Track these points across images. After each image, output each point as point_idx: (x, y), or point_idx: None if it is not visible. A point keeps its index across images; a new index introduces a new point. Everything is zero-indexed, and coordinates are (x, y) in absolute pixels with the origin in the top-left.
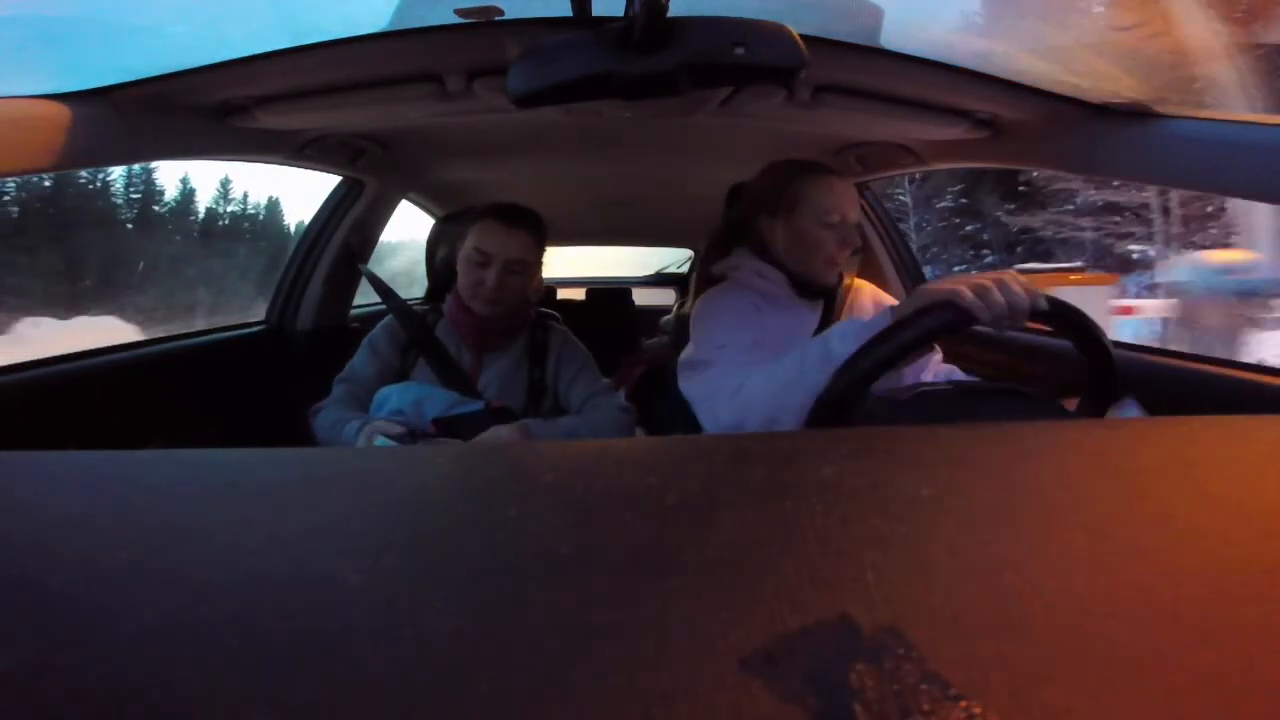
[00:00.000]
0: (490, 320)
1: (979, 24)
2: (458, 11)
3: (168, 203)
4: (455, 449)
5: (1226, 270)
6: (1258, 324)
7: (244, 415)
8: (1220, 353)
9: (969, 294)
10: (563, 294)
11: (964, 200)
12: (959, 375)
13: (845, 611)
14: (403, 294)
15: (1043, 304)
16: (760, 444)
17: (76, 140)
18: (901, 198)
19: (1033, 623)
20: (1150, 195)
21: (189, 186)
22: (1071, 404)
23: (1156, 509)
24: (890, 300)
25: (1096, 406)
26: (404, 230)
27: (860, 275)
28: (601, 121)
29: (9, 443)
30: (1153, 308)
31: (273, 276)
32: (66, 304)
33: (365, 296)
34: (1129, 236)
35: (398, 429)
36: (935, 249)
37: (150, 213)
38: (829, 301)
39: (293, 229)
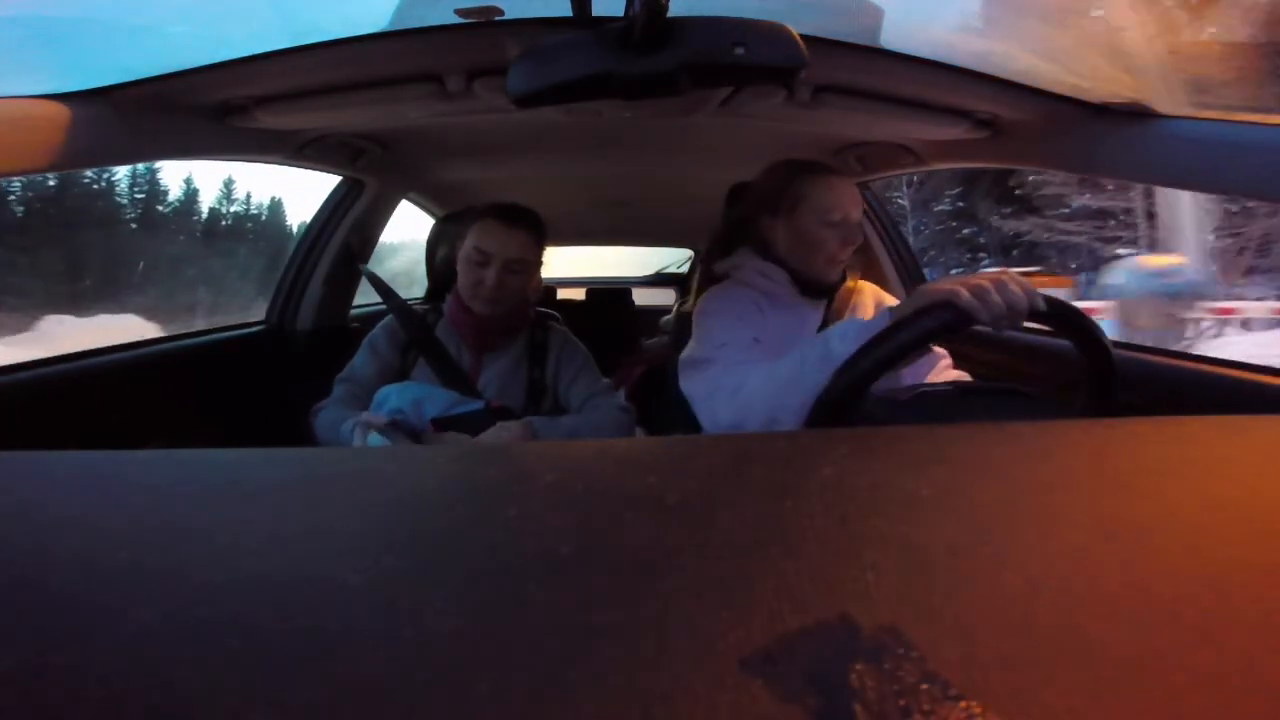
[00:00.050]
0: (490, 320)
1: (979, 24)
2: (458, 11)
3: (183, 204)
4: (455, 449)
5: (1158, 274)
6: (1183, 322)
7: (244, 415)
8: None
9: (967, 295)
10: (563, 294)
11: (961, 204)
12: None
13: (845, 611)
14: (403, 294)
15: (1040, 304)
16: (760, 444)
17: (76, 140)
18: (900, 201)
19: (1033, 623)
20: (1136, 201)
21: (201, 187)
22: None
23: (1156, 509)
24: (892, 300)
25: (1096, 406)
26: (404, 230)
27: (861, 275)
28: (601, 121)
29: (9, 443)
30: (1098, 309)
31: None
32: (88, 302)
33: (365, 296)
34: (1116, 240)
35: (383, 419)
36: (933, 252)
37: (168, 214)
38: (831, 301)
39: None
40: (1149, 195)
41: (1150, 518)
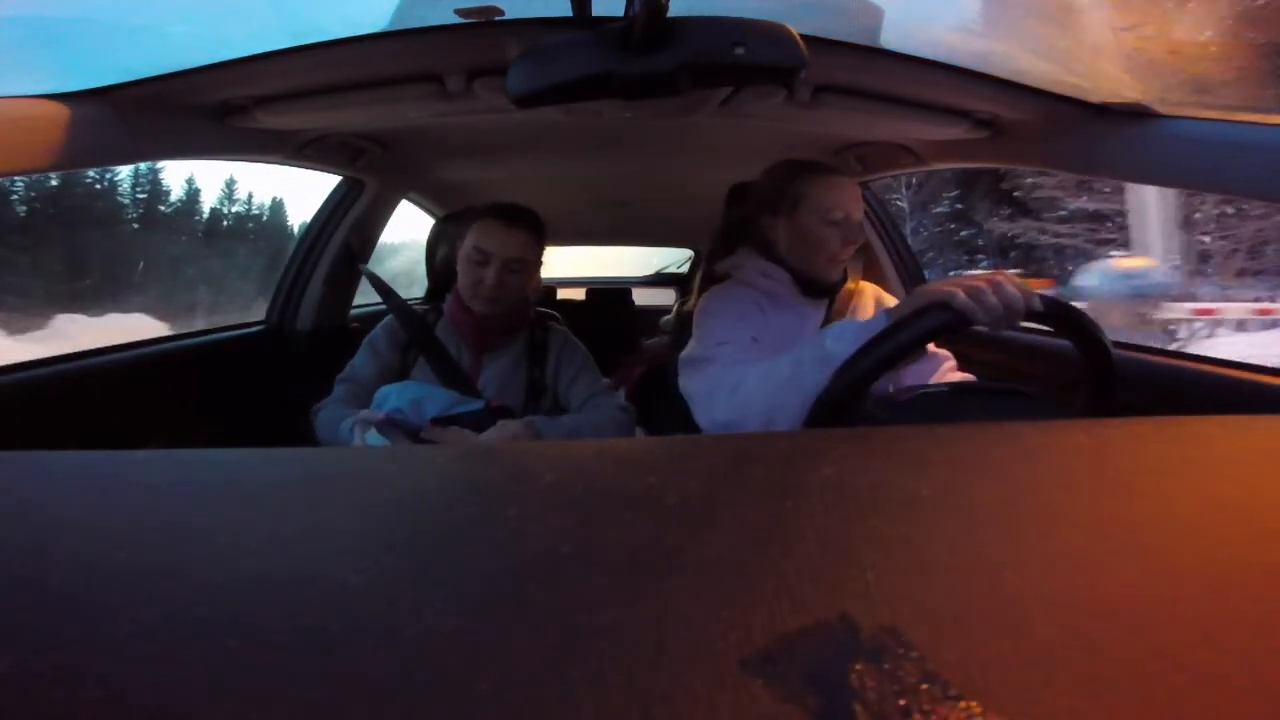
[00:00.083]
0: (490, 320)
1: (979, 24)
2: (458, 11)
3: (189, 205)
4: (455, 449)
5: (1128, 275)
6: (1151, 321)
7: (244, 415)
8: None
9: (963, 296)
10: (563, 294)
11: (959, 206)
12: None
13: (845, 611)
14: (403, 294)
15: (1037, 304)
16: (760, 444)
17: (76, 140)
18: (899, 203)
19: (1033, 623)
20: (1129, 204)
21: (208, 188)
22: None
23: (1156, 509)
24: (892, 301)
25: (1096, 406)
26: (404, 230)
27: (862, 276)
28: (601, 121)
29: (9, 443)
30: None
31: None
32: (99, 302)
33: (365, 296)
34: (1110, 243)
35: (380, 416)
36: (931, 253)
37: (175, 215)
38: (832, 301)
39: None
40: (1159, 197)
41: (1150, 518)
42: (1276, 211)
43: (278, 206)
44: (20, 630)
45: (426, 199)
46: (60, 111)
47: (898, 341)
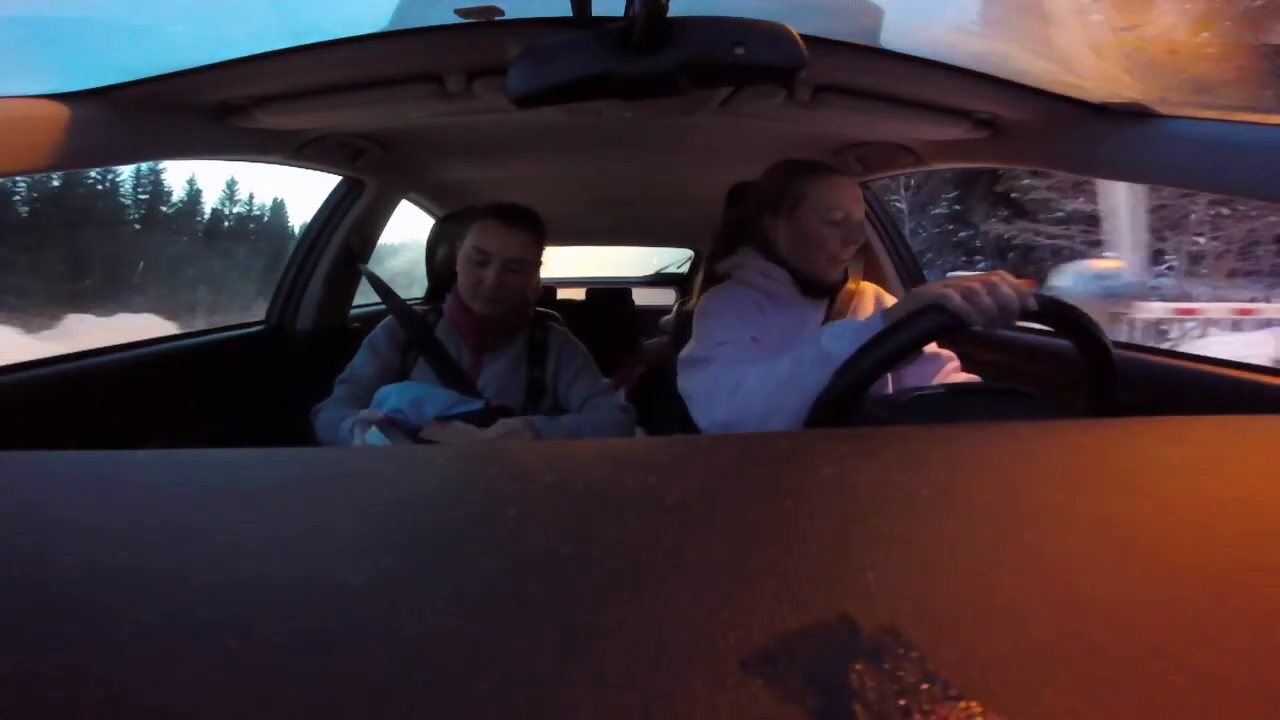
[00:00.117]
0: (490, 320)
1: (979, 24)
2: (458, 11)
3: (198, 207)
4: (455, 449)
5: (1100, 276)
6: (1119, 319)
7: (244, 415)
8: None
9: (958, 297)
10: (563, 294)
11: (957, 207)
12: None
13: (845, 611)
14: (403, 294)
15: (1032, 304)
16: (760, 444)
17: (76, 140)
18: (897, 204)
19: (1033, 622)
20: (1101, 207)
21: (218, 190)
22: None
23: (1156, 509)
24: (892, 301)
25: (1096, 406)
26: (404, 231)
27: (862, 276)
28: (601, 121)
29: (9, 443)
30: None
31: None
32: (108, 302)
33: (366, 296)
34: (1104, 244)
35: (379, 415)
36: (930, 254)
37: (185, 216)
38: (833, 301)
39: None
40: (1130, 200)
41: (1150, 518)
42: (1267, 212)
43: (281, 206)
44: (20, 630)
45: (426, 199)
46: (60, 111)
47: (894, 344)
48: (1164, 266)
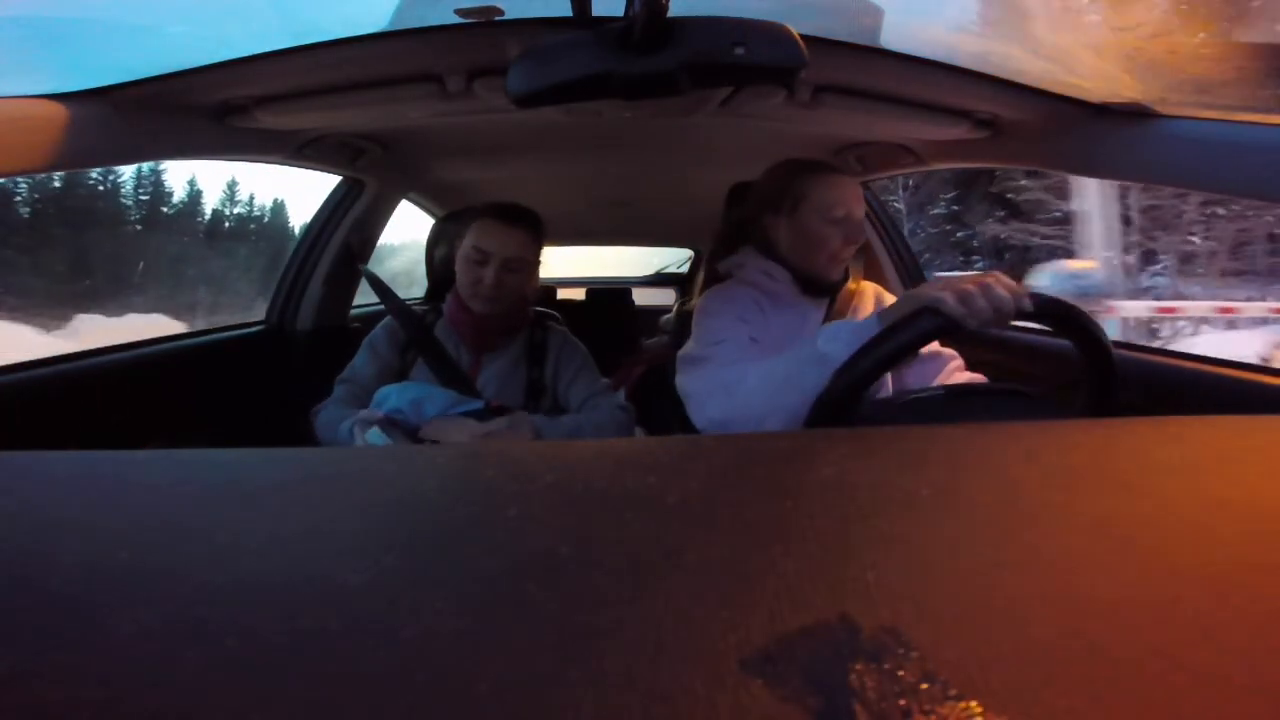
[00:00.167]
0: (489, 319)
1: (978, 24)
2: (458, 11)
3: (207, 208)
4: (455, 449)
5: (1074, 276)
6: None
7: (244, 415)
8: None
9: (952, 300)
10: (563, 294)
11: (955, 208)
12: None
13: (845, 611)
14: (403, 294)
15: (1027, 305)
16: (760, 444)
17: (76, 140)
18: (896, 204)
19: (1033, 622)
20: (1075, 209)
21: (229, 191)
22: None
23: (1156, 509)
24: (892, 300)
25: (1096, 406)
26: (404, 231)
27: (863, 275)
28: (601, 121)
29: (9, 443)
30: None
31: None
32: (118, 302)
33: (366, 296)
34: (1095, 244)
35: (378, 415)
36: (928, 255)
37: (195, 218)
38: (833, 300)
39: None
40: (1123, 201)
41: (1150, 517)
42: (1258, 212)
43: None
44: (20, 630)
45: (426, 199)
46: (60, 111)
47: (889, 347)
48: (1159, 266)
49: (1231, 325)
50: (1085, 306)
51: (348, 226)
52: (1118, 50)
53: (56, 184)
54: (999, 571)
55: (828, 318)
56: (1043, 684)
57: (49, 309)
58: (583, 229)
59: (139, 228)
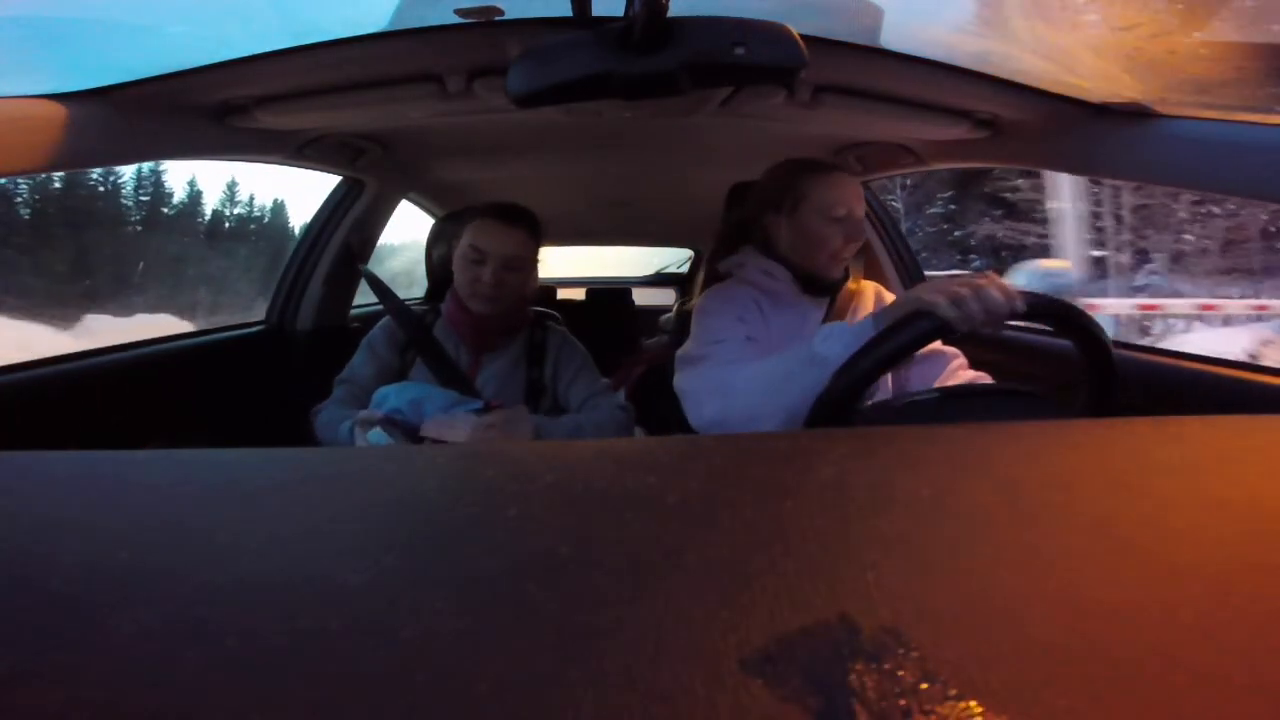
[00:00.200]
0: (488, 319)
1: (978, 24)
2: (458, 11)
3: (219, 211)
4: (455, 449)
5: (1048, 275)
6: None
7: (244, 415)
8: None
9: (945, 304)
10: (563, 294)
11: (953, 207)
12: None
13: (845, 611)
14: (403, 295)
15: (1021, 306)
16: (760, 444)
17: (76, 140)
18: (894, 204)
19: (1033, 623)
20: (1105, 206)
21: (238, 192)
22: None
23: (1156, 509)
24: (893, 298)
25: (1097, 406)
26: (404, 231)
27: (863, 275)
28: (601, 121)
29: (9, 443)
30: None
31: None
32: (126, 302)
33: (366, 296)
34: (1087, 242)
35: (378, 415)
36: (925, 254)
37: (203, 220)
38: (833, 300)
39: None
40: (1116, 200)
41: (1150, 518)
42: (1247, 211)
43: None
44: (20, 630)
45: (426, 199)
46: (60, 111)
47: (883, 351)
48: (1152, 266)
49: (1226, 322)
50: None
51: (348, 226)
52: (1118, 50)
53: (67, 187)
54: (999, 571)
55: (828, 317)
56: (1043, 684)
57: (59, 308)
58: (583, 229)
59: (156, 230)
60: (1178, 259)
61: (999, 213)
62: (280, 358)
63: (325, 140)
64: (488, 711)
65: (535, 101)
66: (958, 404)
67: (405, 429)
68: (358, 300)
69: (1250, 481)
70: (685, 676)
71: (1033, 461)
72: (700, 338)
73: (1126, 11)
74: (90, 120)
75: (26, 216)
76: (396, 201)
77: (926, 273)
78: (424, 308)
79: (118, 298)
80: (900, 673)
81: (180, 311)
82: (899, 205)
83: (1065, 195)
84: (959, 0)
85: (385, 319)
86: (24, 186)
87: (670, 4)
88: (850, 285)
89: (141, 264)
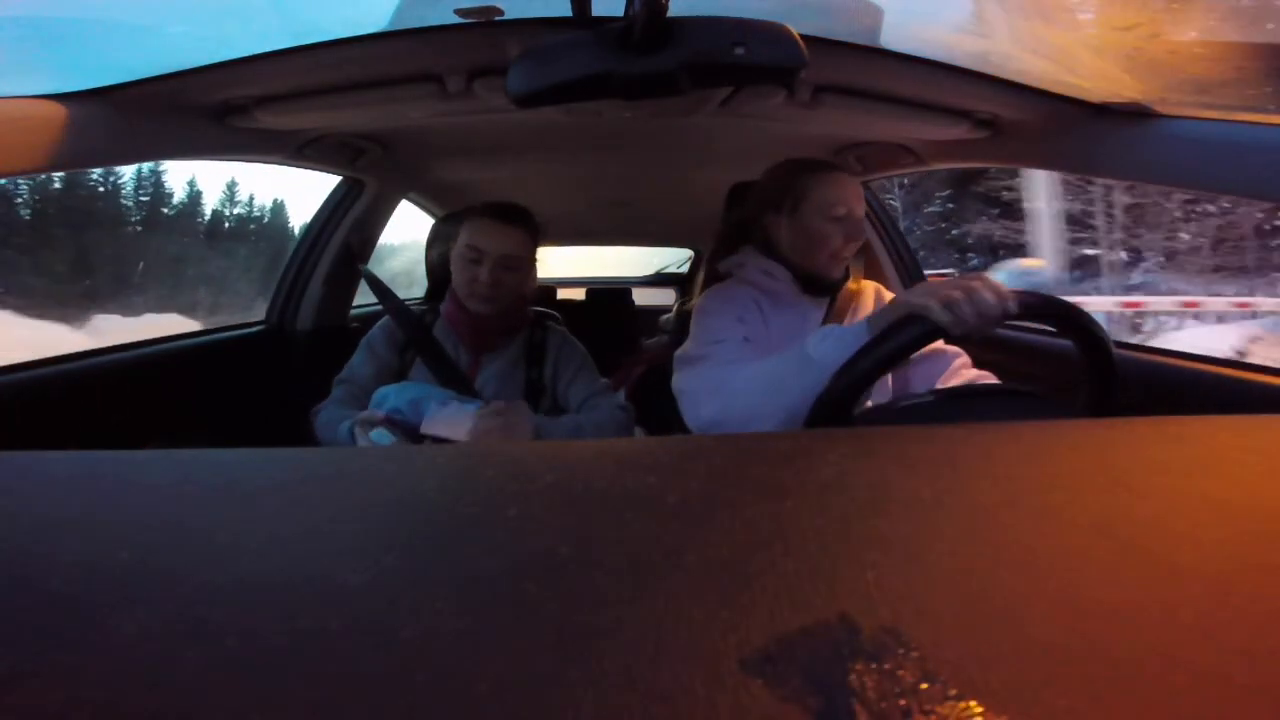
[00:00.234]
0: (487, 319)
1: (979, 24)
2: (458, 11)
3: (219, 211)
4: (455, 449)
5: (1026, 273)
6: None
7: (244, 415)
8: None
9: (938, 308)
10: (563, 294)
11: (950, 206)
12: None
13: (845, 611)
14: (403, 295)
15: (1013, 308)
16: (760, 444)
17: (76, 140)
18: (892, 203)
19: (1033, 623)
20: (1096, 206)
21: (236, 196)
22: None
23: (1156, 509)
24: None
25: (1097, 406)
26: (404, 231)
27: (863, 275)
28: (601, 121)
29: (9, 443)
30: None
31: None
32: (134, 302)
33: (366, 296)
34: (1081, 241)
35: (380, 415)
36: (923, 252)
37: (203, 220)
38: (834, 300)
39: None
40: (1107, 200)
41: (1150, 518)
42: (1238, 210)
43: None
44: (20, 630)
45: (426, 199)
46: (60, 111)
47: (875, 356)
48: (1146, 265)
49: (1221, 319)
50: None
51: (348, 226)
52: (1117, 50)
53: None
54: (999, 571)
55: (828, 317)
56: (1043, 684)
57: (61, 308)
58: (583, 229)
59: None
60: (1170, 257)
61: (996, 211)
62: (280, 358)
63: (325, 140)
64: (488, 711)
65: (535, 101)
66: (957, 405)
67: (406, 429)
68: (358, 300)
69: (1250, 481)
70: (685, 676)
71: (1033, 461)
72: (700, 338)
73: (1126, 11)
74: (90, 120)
75: (27, 217)
76: (396, 201)
77: (925, 271)
78: (423, 308)
79: (118, 298)
80: (900, 673)
81: (184, 311)
82: (897, 204)
83: (1041, 195)
84: (959, 0)
85: (385, 319)
86: (24, 187)
87: (670, 4)
88: (851, 285)
89: (141, 264)
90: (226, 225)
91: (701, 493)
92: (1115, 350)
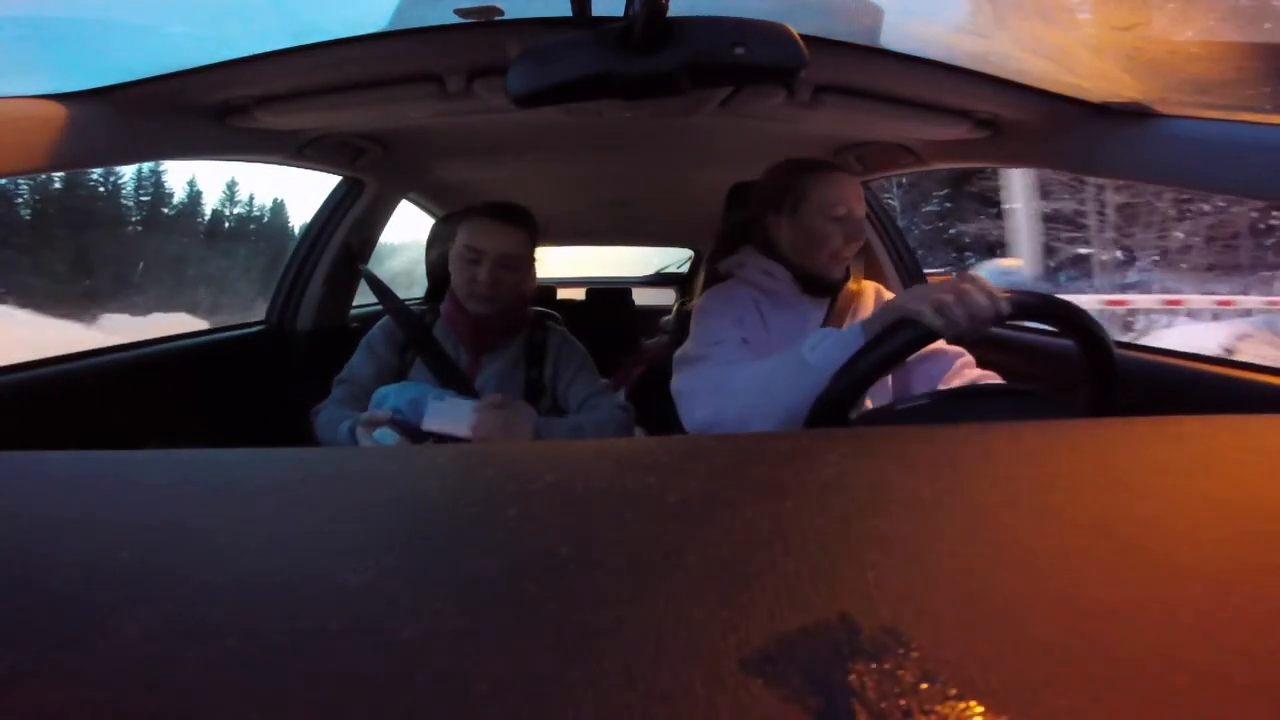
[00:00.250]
0: (487, 319)
1: (979, 24)
2: (458, 11)
3: (219, 211)
4: (455, 449)
5: (1005, 273)
6: None
7: (244, 415)
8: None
9: (930, 312)
10: (563, 294)
11: (948, 205)
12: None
13: (845, 611)
14: (403, 295)
15: (1005, 309)
16: (760, 444)
17: (76, 140)
18: (890, 202)
19: (1033, 623)
20: (1088, 205)
21: (236, 196)
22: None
23: (1156, 509)
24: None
25: (1097, 406)
26: (404, 231)
27: (863, 275)
28: (601, 121)
29: (9, 443)
30: None
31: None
32: (142, 301)
33: (366, 296)
34: (1075, 240)
35: (383, 416)
36: (921, 251)
37: (203, 220)
38: (834, 300)
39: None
40: (1099, 199)
41: (1150, 518)
42: (1232, 209)
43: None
44: (20, 630)
45: (426, 199)
46: (60, 111)
47: (869, 361)
48: (1139, 264)
49: (1216, 317)
50: None
51: (348, 226)
52: (1117, 50)
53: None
54: (999, 571)
55: (828, 318)
56: (1043, 684)
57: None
58: (583, 229)
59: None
60: (1163, 255)
61: (993, 211)
62: (280, 358)
63: (325, 140)
64: (488, 711)
65: (535, 101)
66: (956, 405)
67: (408, 429)
68: (358, 300)
69: (1250, 481)
70: (685, 676)
71: (1033, 461)
72: (699, 338)
73: (1125, 11)
74: (90, 120)
75: (27, 217)
76: (396, 201)
77: (923, 270)
78: (423, 308)
79: (118, 298)
80: (900, 673)
81: (185, 310)
82: (895, 204)
83: (1018, 194)
84: (959, 0)
85: (385, 319)
86: (24, 187)
87: (670, 4)
88: (851, 286)
89: (141, 264)
90: (226, 225)
91: (701, 493)
92: (1116, 350)
